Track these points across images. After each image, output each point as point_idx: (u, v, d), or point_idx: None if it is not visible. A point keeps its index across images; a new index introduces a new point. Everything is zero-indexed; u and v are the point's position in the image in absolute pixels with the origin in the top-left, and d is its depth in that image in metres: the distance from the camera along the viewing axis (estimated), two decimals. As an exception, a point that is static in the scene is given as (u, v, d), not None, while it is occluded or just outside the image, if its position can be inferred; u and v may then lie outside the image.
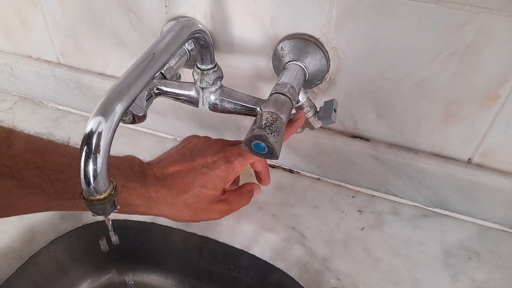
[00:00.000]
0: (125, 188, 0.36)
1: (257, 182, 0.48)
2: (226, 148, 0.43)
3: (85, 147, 0.25)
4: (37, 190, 0.32)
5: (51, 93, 0.66)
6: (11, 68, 0.66)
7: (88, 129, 0.25)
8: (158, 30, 0.52)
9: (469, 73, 0.42)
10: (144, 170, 0.39)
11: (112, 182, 0.28)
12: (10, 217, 0.34)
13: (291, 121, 0.42)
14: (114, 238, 0.42)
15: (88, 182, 0.26)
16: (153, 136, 0.62)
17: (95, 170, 0.25)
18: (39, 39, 0.61)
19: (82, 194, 0.27)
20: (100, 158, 0.25)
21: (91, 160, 0.25)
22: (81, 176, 0.26)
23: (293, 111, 0.43)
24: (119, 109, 0.26)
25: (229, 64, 0.51)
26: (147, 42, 0.53)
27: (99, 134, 0.25)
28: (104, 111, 0.26)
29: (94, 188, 0.26)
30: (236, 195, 0.45)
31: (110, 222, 0.39)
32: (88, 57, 0.60)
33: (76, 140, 0.61)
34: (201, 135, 0.47)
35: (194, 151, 0.43)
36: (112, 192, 0.27)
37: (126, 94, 0.27)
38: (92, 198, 0.26)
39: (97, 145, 0.25)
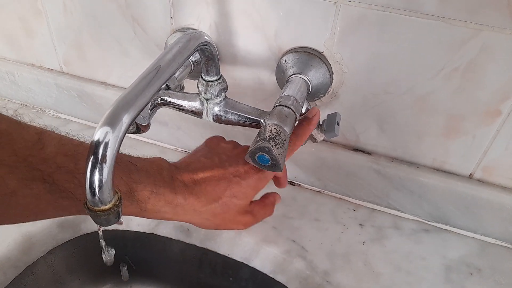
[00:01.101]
0: (154, 194, 0.35)
1: (274, 186, 0.48)
2: None
3: (92, 157, 0.25)
4: (68, 194, 0.31)
5: (52, 101, 0.66)
6: (13, 75, 0.66)
7: (95, 139, 0.25)
8: (162, 41, 0.52)
9: (471, 89, 0.42)
10: (172, 175, 0.38)
11: (117, 193, 0.27)
12: (8, 225, 0.34)
13: (307, 119, 0.43)
14: (108, 252, 0.43)
15: (93, 192, 0.26)
16: (155, 146, 0.62)
17: (100, 181, 0.25)
18: (42, 48, 0.61)
19: (86, 204, 0.27)
20: (106, 169, 0.25)
21: (97, 170, 0.25)
22: (86, 186, 0.25)
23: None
24: (126, 119, 0.26)
25: (232, 76, 0.51)
26: (151, 53, 0.54)
27: (106, 144, 0.25)
28: (112, 121, 0.26)
29: (99, 198, 0.26)
30: (261, 206, 0.44)
31: (102, 237, 0.39)
32: (91, 66, 0.60)
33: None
34: (225, 138, 0.47)
35: (224, 158, 0.41)
36: (117, 203, 0.27)
37: (134, 104, 0.27)
38: (97, 208, 0.26)
39: (104, 155, 0.25)
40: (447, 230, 0.52)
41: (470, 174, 0.48)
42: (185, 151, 0.62)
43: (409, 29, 0.40)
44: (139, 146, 0.62)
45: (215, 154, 0.42)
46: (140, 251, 0.56)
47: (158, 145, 0.63)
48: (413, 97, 0.45)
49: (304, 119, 0.43)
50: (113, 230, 0.53)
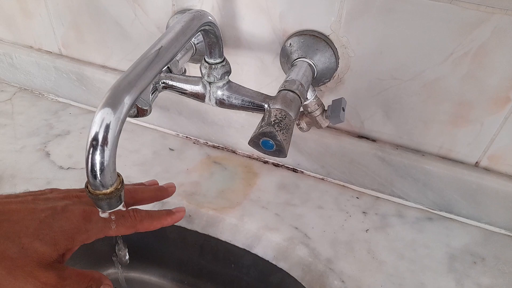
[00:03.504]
0: None
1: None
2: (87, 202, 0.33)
3: (92, 139, 0.24)
4: None
5: (51, 85, 0.65)
6: (11, 58, 0.64)
7: (95, 121, 0.24)
8: (163, 22, 0.51)
9: (480, 75, 0.41)
10: None
11: (119, 176, 0.27)
12: None
13: (170, 212, 0.36)
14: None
15: (94, 175, 0.25)
16: (155, 131, 0.61)
17: (102, 163, 0.25)
18: (40, 29, 0.60)
19: (87, 187, 0.26)
20: (107, 151, 0.25)
21: (98, 152, 0.24)
22: (87, 169, 0.25)
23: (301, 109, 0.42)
24: (127, 100, 0.25)
25: (235, 60, 0.50)
26: (151, 35, 0.52)
27: (107, 126, 0.25)
28: (113, 102, 0.25)
29: (101, 181, 0.25)
30: (74, 272, 0.32)
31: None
32: (90, 48, 0.59)
33: (76, 133, 0.60)
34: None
35: (42, 198, 0.33)
36: (119, 187, 0.26)
37: (135, 85, 0.26)
38: (98, 192, 0.26)
39: (105, 137, 0.24)
40: (451, 218, 0.51)
41: (476, 162, 0.48)
42: (186, 136, 0.61)
43: (418, 12, 0.39)
44: (140, 131, 0.61)
45: (30, 195, 0.34)
46: (140, 237, 0.56)
47: (159, 130, 0.62)
48: (420, 83, 0.44)
49: (167, 211, 0.37)
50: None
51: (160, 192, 0.40)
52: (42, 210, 0.31)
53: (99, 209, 0.28)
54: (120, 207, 0.29)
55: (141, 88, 0.26)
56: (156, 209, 0.38)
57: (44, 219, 0.30)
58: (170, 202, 0.52)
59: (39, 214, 0.31)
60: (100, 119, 0.24)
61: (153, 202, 0.39)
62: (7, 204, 0.31)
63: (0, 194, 0.35)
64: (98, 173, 0.25)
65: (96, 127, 0.24)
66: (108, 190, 0.26)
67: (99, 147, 0.24)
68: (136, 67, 0.27)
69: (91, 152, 0.24)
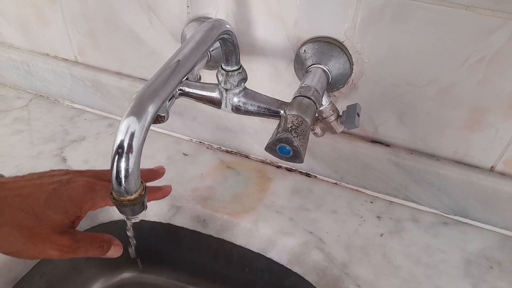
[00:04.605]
0: None
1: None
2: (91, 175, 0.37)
3: (118, 147, 0.25)
4: None
5: (67, 92, 0.66)
6: (27, 65, 0.66)
7: (121, 129, 0.25)
8: (178, 30, 0.51)
9: (496, 80, 0.41)
10: None
11: (142, 183, 0.27)
12: None
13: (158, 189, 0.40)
14: (133, 242, 0.42)
15: (119, 182, 0.25)
16: (169, 137, 0.62)
17: (127, 170, 0.25)
18: (56, 37, 0.61)
19: (112, 194, 0.27)
20: (132, 158, 0.25)
21: (123, 159, 0.25)
22: (112, 175, 0.25)
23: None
24: (151, 109, 0.26)
25: (249, 66, 0.50)
26: (166, 43, 0.53)
27: (132, 134, 0.25)
28: (137, 111, 0.25)
29: (125, 188, 0.26)
30: (87, 235, 0.35)
31: (131, 227, 0.39)
32: (106, 56, 0.60)
33: (91, 139, 0.61)
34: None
35: (47, 175, 0.36)
36: (142, 193, 0.27)
37: (159, 94, 0.27)
38: (123, 198, 0.26)
39: (130, 145, 0.25)
40: (466, 223, 0.51)
41: (492, 167, 0.48)
42: (199, 141, 0.61)
43: (433, 18, 0.39)
44: (154, 137, 0.62)
45: (36, 174, 0.37)
46: (156, 241, 0.56)
47: (173, 136, 0.62)
48: (435, 88, 0.44)
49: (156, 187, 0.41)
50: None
51: (152, 173, 0.43)
52: (49, 184, 0.34)
53: (123, 215, 0.29)
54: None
55: (164, 97, 0.27)
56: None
57: (52, 191, 0.33)
58: (185, 207, 0.52)
59: (47, 187, 0.34)
60: (126, 127, 0.25)
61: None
62: (16, 182, 0.34)
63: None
64: (123, 179, 0.25)
65: (121, 135, 0.25)
66: (132, 197, 0.26)
67: (124, 155, 0.25)
68: (159, 76, 0.28)
69: (116, 159, 0.25)
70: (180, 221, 0.52)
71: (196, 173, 0.57)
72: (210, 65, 0.50)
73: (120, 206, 0.27)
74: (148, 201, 0.35)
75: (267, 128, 0.55)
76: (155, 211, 0.53)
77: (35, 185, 0.34)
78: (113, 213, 0.53)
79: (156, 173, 0.44)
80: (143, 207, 0.28)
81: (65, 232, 0.33)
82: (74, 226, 0.35)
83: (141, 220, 0.54)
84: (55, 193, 0.33)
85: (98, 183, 0.36)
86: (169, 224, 0.53)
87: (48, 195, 0.33)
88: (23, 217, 0.32)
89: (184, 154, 0.59)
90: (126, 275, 0.60)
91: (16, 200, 0.32)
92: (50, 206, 0.33)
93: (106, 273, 0.59)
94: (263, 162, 0.59)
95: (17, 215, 0.31)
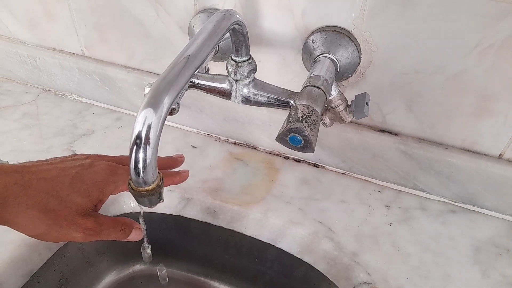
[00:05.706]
0: None
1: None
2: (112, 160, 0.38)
3: (136, 138, 0.25)
4: None
5: (74, 86, 0.66)
6: (34, 60, 0.66)
7: (138, 120, 0.25)
8: (186, 22, 0.51)
9: (505, 67, 0.41)
10: None
11: (159, 174, 0.28)
12: None
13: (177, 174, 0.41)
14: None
15: (137, 173, 0.26)
16: (177, 130, 0.62)
17: (145, 161, 0.26)
18: (63, 31, 0.61)
19: (130, 184, 0.27)
20: (150, 149, 0.25)
21: (141, 150, 0.25)
22: (130, 166, 0.26)
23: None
24: (167, 100, 0.26)
25: (257, 57, 0.50)
26: (174, 35, 0.53)
27: (149, 126, 0.25)
28: (154, 102, 0.26)
29: (143, 179, 0.26)
30: (110, 218, 0.36)
31: (142, 214, 0.39)
32: (113, 49, 0.60)
33: (100, 132, 0.62)
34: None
35: (69, 159, 0.37)
36: (160, 184, 0.27)
37: (174, 85, 0.27)
38: (141, 189, 0.26)
39: (147, 136, 0.25)
40: (474, 211, 0.51)
41: (500, 154, 0.48)
42: (207, 134, 0.62)
43: (441, 6, 0.39)
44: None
45: (58, 158, 0.38)
46: (165, 233, 0.57)
47: (181, 128, 0.63)
48: (444, 76, 0.44)
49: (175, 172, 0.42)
50: (138, 212, 0.54)
51: (172, 161, 0.44)
52: (72, 167, 0.34)
53: (140, 205, 0.29)
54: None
55: (179, 88, 0.27)
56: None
57: (75, 174, 0.34)
58: (195, 198, 0.53)
59: (70, 171, 0.34)
60: (143, 119, 0.25)
61: (164, 169, 0.43)
62: (40, 166, 0.34)
63: None
64: (141, 170, 0.26)
65: (139, 126, 0.25)
66: (150, 187, 0.27)
67: (142, 146, 0.25)
68: (173, 68, 0.28)
69: (134, 150, 0.25)
70: (191, 212, 0.53)
71: (205, 165, 0.57)
72: (217, 57, 0.50)
73: (138, 196, 0.27)
74: (167, 185, 0.36)
75: (274, 119, 0.55)
76: (165, 203, 0.53)
77: (58, 168, 0.34)
78: (124, 206, 0.54)
79: (176, 161, 0.45)
80: (160, 198, 0.28)
81: (89, 215, 0.34)
82: (97, 209, 0.36)
83: (152, 212, 0.54)
84: (78, 176, 0.34)
85: (120, 167, 0.37)
86: (179, 216, 0.54)
87: (72, 178, 0.34)
88: (48, 200, 0.32)
89: (192, 146, 0.60)
90: (138, 267, 0.61)
91: (41, 183, 0.32)
92: (74, 189, 0.33)
93: (118, 265, 0.60)
94: (271, 153, 0.59)
95: (43, 198, 0.32)
